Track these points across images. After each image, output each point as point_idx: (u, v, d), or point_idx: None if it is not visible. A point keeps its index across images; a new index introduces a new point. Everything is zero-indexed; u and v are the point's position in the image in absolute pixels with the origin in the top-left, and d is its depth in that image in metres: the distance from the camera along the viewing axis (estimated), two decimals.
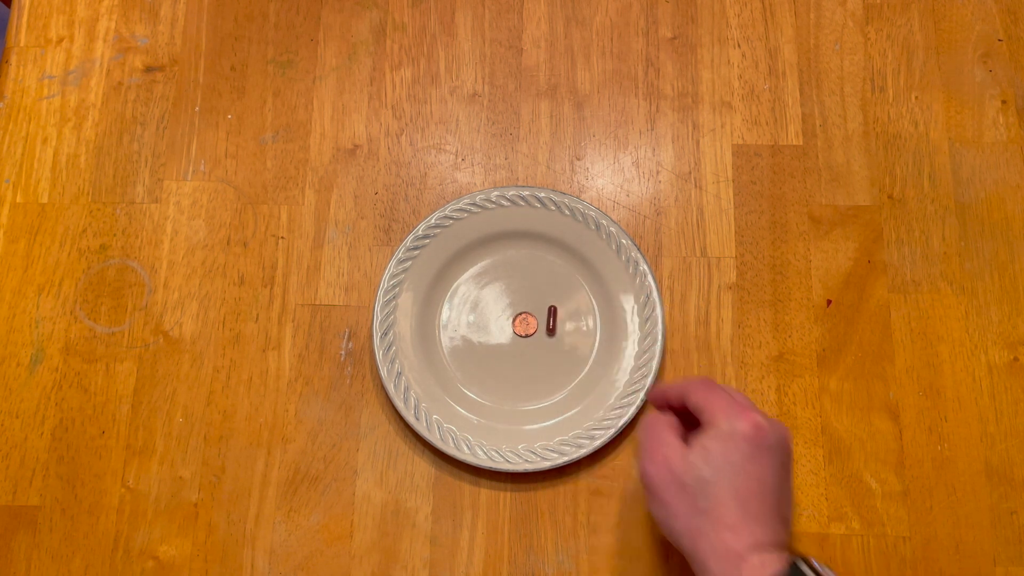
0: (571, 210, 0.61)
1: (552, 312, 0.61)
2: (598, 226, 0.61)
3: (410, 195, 0.64)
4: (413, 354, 0.60)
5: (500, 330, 0.61)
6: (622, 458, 0.59)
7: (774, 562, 0.44)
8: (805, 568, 0.43)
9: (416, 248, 0.61)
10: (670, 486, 0.48)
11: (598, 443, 0.57)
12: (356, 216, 0.64)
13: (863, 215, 0.63)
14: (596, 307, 0.61)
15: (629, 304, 0.60)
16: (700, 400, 0.50)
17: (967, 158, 0.64)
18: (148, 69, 0.67)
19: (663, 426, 0.50)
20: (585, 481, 0.58)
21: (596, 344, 0.60)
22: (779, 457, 0.48)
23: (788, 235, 0.63)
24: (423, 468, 0.59)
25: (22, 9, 0.69)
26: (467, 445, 0.57)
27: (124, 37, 0.68)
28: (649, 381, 0.58)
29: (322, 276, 0.63)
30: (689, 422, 0.50)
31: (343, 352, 0.61)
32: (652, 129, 0.66)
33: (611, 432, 0.57)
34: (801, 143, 0.65)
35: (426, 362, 0.60)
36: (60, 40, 0.68)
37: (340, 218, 0.64)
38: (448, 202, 0.63)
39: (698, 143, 0.65)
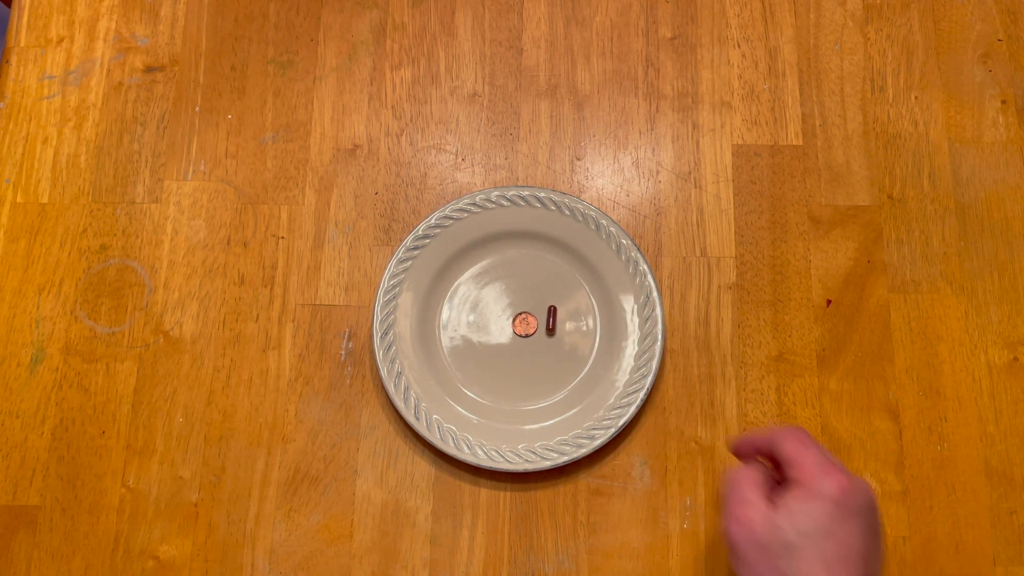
0: (571, 210, 0.61)
1: (552, 312, 0.61)
2: (598, 226, 0.61)
3: (410, 195, 0.64)
4: (413, 354, 0.60)
5: (500, 330, 0.61)
6: (622, 458, 0.59)
7: None
8: None
9: (416, 248, 0.61)
10: (753, 548, 0.46)
11: (598, 443, 0.57)
12: (356, 216, 0.64)
13: (863, 215, 0.63)
14: (596, 307, 0.61)
15: (629, 304, 0.60)
16: (791, 453, 0.48)
17: (967, 158, 0.64)
18: (148, 69, 0.67)
19: (748, 484, 0.48)
20: (585, 481, 0.58)
21: (596, 344, 0.60)
22: (867, 520, 0.46)
23: (788, 235, 0.63)
24: (423, 468, 0.59)
25: (22, 9, 0.69)
26: (467, 445, 0.57)
27: (124, 37, 0.68)
28: (649, 381, 0.58)
29: (322, 276, 0.63)
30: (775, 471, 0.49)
31: (343, 352, 0.61)
32: (652, 129, 0.66)
33: (611, 432, 0.57)
34: (801, 143, 0.65)
35: (426, 362, 0.60)
36: (60, 40, 0.68)
37: (340, 218, 0.64)
38: (448, 202, 0.63)
39: (698, 143, 0.65)
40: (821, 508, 0.45)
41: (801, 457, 0.47)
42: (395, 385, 0.58)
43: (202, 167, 0.65)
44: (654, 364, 0.58)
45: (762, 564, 0.46)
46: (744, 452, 0.52)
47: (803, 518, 0.45)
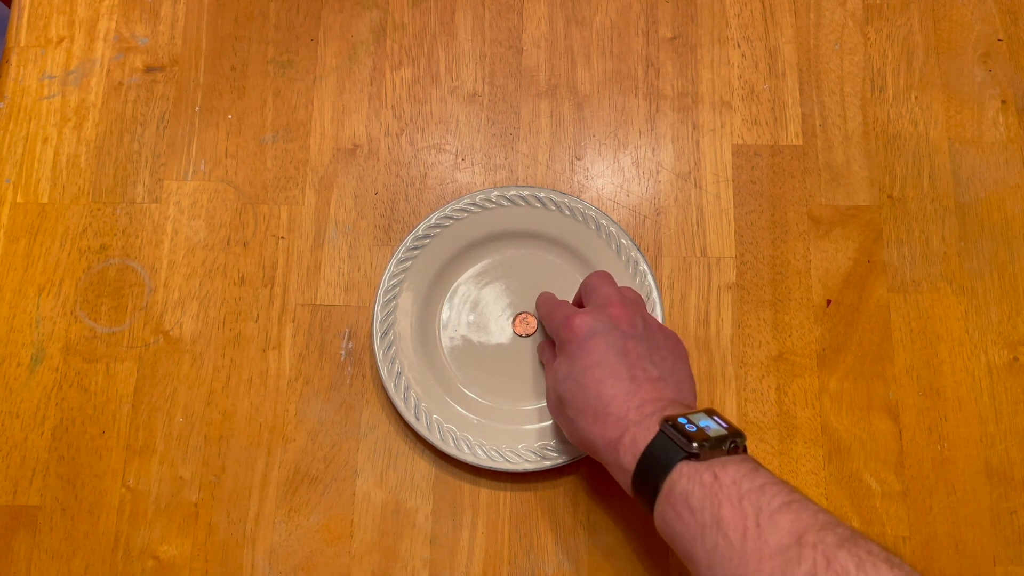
0: (571, 210, 0.61)
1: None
2: (598, 226, 0.61)
3: (410, 195, 0.64)
4: (413, 354, 0.60)
5: (500, 330, 0.61)
6: None
7: (643, 433, 0.44)
8: (672, 432, 0.43)
9: (416, 248, 0.61)
10: (555, 414, 0.52)
11: None
12: (356, 216, 0.64)
13: (863, 215, 0.63)
14: None
15: None
16: (546, 326, 0.55)
17: (967, 158, 0.64)
18: (148, 69, 0.67)
19: (547, 360, 0.56)
20: (585, 481, 0.58)
21: None
22: (612, 334, 0.49)
23: (788, 235, 0.63)
24: (423, 468, 0.59)
25: (22, 9, 0.69)
26: (467, 445, 0.57)
27: (124, 37, 0.68)
28: None
29: (322, 276, 0.63)
30: None
31: (343, 352, 0.61)
32: (652, 129, 0.66)
33: None
34: (801, 143, 0.65)
35: (426, 362, 0.60)
36: (60, 40, 0.68)
37: (340, 218, 0.64)
38: (448, 202, 0.63)
39: (698, 143, 0.65)
40: (566, 354, 0.50)
41: (549, 325, 0.54)
42: (395, 385, 0.58)
43: (202, 167, 0.65)
44: None
45: (563, 423, 0.51)
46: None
47: (559, 371, 0.50)
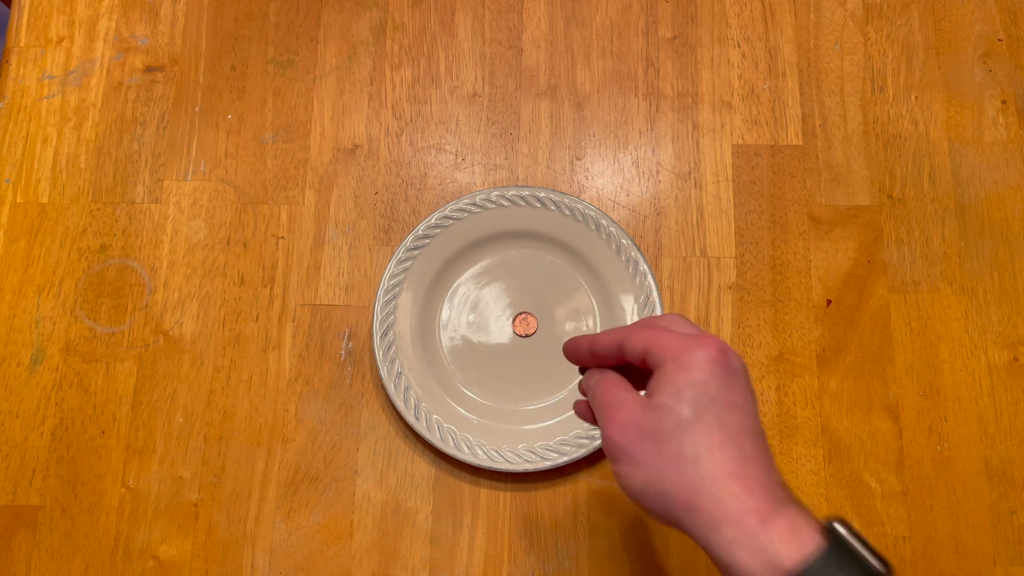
0: (571, 210, 0.61)
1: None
2: (598, 226, 0.61)
3: (410, 195, 0.64)
4: (413, 354, 0.60)
5: (500, 330, 0.61)
6: None
7: (804, 528, 0.35)
8: (847, 534, 0.35)
9: (416, 248, 0.61)
10: (642, 444, 0.39)
11: (598, 443, 0.57)
12: (356, 216, 0.64)
13: (863, 215, 0.63)
14: (596, 307, 0.61)
15: (629, 304, 0.60)
16: (642, 342, 0.40)
17: (967, 158, 0.64)
18: (148, 69, 0.67)
19: (612, 385, 0.42)
20: (585, 481, 0.58)
21: None
22: (747, 381, 0.40)
23: (788, 235, 0.63)
24: (423, 468, 0.59)
25: (22, 9, 0.69)
26: (467, 445, 0.57)
27: (124, 37, 0.68)
28: None
29: (322, 276, 0.63)
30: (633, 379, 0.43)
31: (343, 352, 0.61)
32: (652, 129, 0.66)
33: None
34: (801, 143, 0.65)
35: (426, 362, 0.60)
36: (60, 40, 0.68)
37: (340, 218, 0.64)
38: (448, 202, 0.63)
39: (698, 143, 0.65)
40: (706, 373, 0.38)
41: (655, 339, 0.40)
42: (395, 385, 0.58)
43: (202, 167, 0.65)
44: None
45: (653, 457, 0.38)
46: (584, 361, 0.45)
47: (690, 388, 0.38)
